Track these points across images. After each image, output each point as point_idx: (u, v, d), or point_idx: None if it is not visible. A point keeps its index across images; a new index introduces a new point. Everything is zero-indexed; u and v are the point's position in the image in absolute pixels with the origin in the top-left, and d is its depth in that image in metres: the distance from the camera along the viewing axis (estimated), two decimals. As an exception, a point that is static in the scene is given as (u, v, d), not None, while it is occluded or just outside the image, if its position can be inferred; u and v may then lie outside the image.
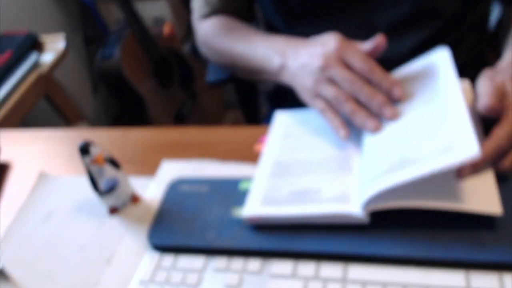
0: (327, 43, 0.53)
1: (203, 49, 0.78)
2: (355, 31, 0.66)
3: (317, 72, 0.52)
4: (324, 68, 0.52)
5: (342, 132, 0.51)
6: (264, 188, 0.52)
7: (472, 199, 0.44)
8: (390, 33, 0.65)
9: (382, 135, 0.51)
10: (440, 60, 0.53)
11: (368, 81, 0.51)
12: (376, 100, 0.50)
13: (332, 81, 0.52)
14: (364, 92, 0.50)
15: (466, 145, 0.41)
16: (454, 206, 0.44)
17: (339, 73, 0.51)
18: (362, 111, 0.50)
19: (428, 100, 0.50)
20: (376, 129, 0.50)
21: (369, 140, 0.52)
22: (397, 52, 0.66)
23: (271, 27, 0.79)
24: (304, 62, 0.54)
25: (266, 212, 0.49)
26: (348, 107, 0.51)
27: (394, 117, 0.49)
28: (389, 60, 0.67)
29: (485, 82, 0.48)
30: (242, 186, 0.55)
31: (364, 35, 0.66)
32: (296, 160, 0.55)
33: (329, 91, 0.51)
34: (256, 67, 0.64)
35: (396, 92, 0.50)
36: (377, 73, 0.50)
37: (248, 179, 0.55)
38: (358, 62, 0.51)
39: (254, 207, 0.50)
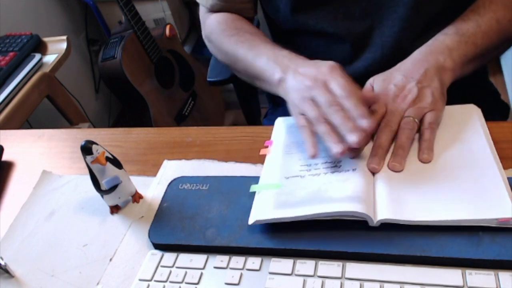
0: (320, 66, 0.55)
1: (207, 44, 0.79)
2: (359, 17, 0.66)
3: (304, 91, 0.55)
4: (309, 88, 0.54)
5: (311, 151, 0.53)
6: (274, 193, 0.52)
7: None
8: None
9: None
10: (470, 114, 0.56)
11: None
12: (344, 126, 0.50)
13: (314, 102, 0.54)
14: (335, 116, 0.51)
15: (502, 206, 0.45)
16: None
17: (320, 95, 0.53)
18: (333, 135, 0.51)
19: (456, 147, 0.53)
20: (340, 155, 0.50)
21: None
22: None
23: (270, 21, 0.78)
24: (298, 80, 0.57)
25: (280, 216, 0.49)
26: (322, 129, 0.52)
27: (359, 145, 0.50)
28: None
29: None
30: (253, 188, 0.54)
31: (369, 20, 0.66)
32: (302, 163, 0.55)
33: (309, 110, 0.54)
34: (256, 74, 0.66)
35: (363, 123, 0.50)
36: (351, 101, 0.51)
37: (258, 183, 0.54)
38: (338, 88, 0.53)
39: (267, 212, 0.50)
